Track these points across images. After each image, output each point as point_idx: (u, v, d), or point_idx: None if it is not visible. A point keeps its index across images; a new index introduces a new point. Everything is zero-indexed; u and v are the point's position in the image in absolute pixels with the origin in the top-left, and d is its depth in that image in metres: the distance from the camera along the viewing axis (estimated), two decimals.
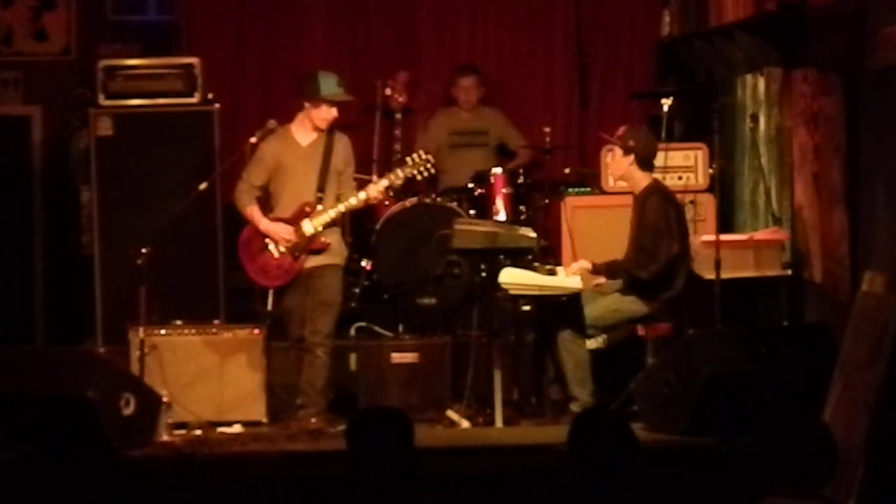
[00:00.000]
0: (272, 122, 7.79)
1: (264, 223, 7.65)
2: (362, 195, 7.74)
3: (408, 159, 7.93)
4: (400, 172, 7.83)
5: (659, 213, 7.60)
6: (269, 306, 7.62)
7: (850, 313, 6.51)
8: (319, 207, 7.66)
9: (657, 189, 7.73)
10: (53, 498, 6.53)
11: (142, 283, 7.37)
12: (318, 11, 10.26)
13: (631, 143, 7.72)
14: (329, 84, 7.70)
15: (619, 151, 7.78)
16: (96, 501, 6.56)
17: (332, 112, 7.69)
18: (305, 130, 7.70)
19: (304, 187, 7.67)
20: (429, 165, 7.88)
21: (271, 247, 7.63)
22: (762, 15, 8.52)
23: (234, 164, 8.13)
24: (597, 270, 7.67)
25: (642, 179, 7.75)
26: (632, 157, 7.70)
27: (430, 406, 7.88)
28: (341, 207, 7.71)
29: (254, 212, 7.68)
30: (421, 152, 7.99)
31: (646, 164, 7.74)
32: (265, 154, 7.68)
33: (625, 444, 4.17)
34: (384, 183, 7.79)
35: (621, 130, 7.87)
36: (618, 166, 7.85)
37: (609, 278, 7.68)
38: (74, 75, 9.69)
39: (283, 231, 7.62)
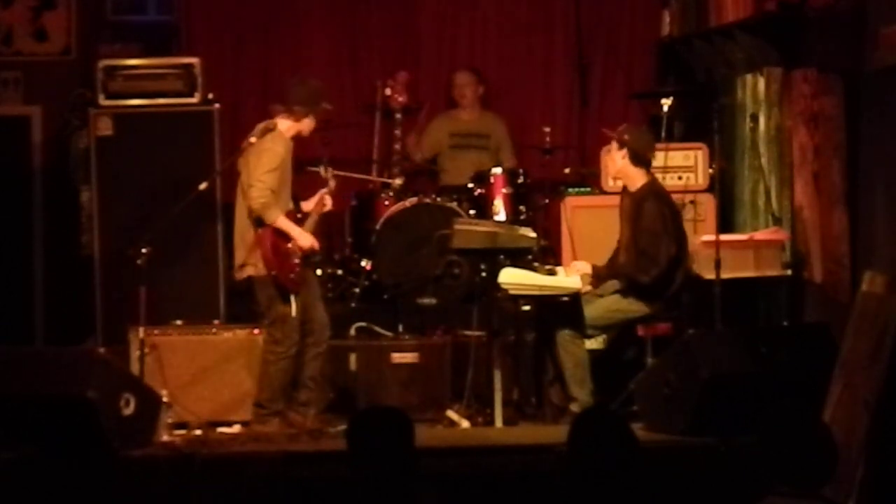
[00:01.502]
0: (272, 123, 7.77)
1: (297, 230, 7.55)
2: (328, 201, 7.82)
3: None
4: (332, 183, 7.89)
5: (655, 216, 7.58)
6: (295, 311, 7.54)
7: (850, 313, 6.51)
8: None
9: (653, 191, 7.71)
10: (53, 498, 6.53)
11: (142, 283, 7.36)
12: (318, 11, 10.27)
13: (625, 137, 7.72)
14: (322, 94, 7.73)
15: (614, 146, 7.78)
16: (96, 501, 6.56)
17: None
18: (290, 136, 7.66)
19: (290, 195, 7.68)
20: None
21: (293, 252, 7.57)
22: (762, 15, 8.53)
23: (233, 164, 8.11)
24: (597, 274, 7.66)
25: (637, 177, 7.73)
26: (625, 152, 7.69)
27: (430, 406, 7.87)
28: (316, 217, 7.73)
29: (285, 221, 7.52)
30: (323, 167, 8.00)
31: (639, 160, 7.71)
32: (281, 158, 7.54)
33: (625, 444, 4.17)
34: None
35: (621, 127, 7.87)
36: (613, 162, 7.85)
37: (610, 279, 7.68)
38: (74, 75, 9.69)
39: (312, 239, 7.61)
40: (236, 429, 7.63)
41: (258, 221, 7.49)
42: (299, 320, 7.56)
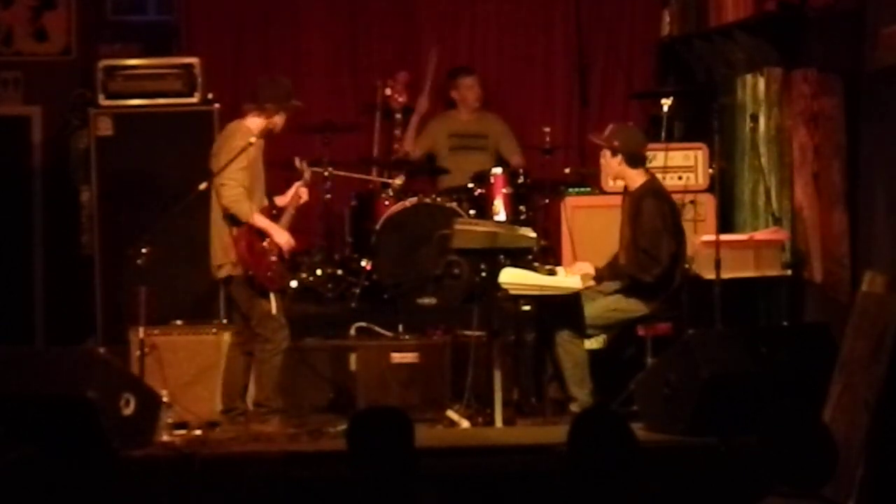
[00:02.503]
0: (271, 122, 7.77)
1: (274, 228, 7.57)
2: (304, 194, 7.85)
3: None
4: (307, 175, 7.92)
5: (655, 214, 7.58)
6: (275, 309, 7.56)
7: (850, 313, 6.51)
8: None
9: (652, 189, 7.70)
10: (53, 498, 6.51)
11: (142, 283, 7.36)
12: (317, 12, 10.27)
13: (616, 143, 7.71)
14: (291, 91, 7.76)
15: (607, 153, 7.77)
16: (96, 501, 6.56)
17: None
18: (260, 133, 7.66)
19: (263, 192, 7.68)
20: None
21: (269, 250, 7.58)
22: (762, 15, 8.53)
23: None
24: (599, 275, 7.66)
25: (636, 177, 7.72)
26: (620, 157, 7.70)
27: (430, 406, 7.87)
28: (292, 211, 7.74)
29: (262, 218, 7.56)
30: (297, 159, 8.01)
31: (635, 160, 7.71)
32: (253, 156, 7.56)
33: (625, 444, 4.17)
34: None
35: (607, 131, 7.85)
36: (610, 168, 7.85)
37: (612, 280, 7.68)
38: (74, 75, 9.69)
39: (288, 237, 7.62)
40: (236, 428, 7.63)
41: (233, 219, 7.51)
42: (283, 316, 7.58)
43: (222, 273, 7.60)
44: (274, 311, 7.51)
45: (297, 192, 7.79)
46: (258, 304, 7.53)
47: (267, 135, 7.67)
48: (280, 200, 7.78)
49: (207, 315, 8.21)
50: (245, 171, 7.49)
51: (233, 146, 7.52)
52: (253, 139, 7.54)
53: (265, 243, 7.54)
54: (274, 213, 7.66)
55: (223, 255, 7.56)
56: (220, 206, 7.53)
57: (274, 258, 7.56)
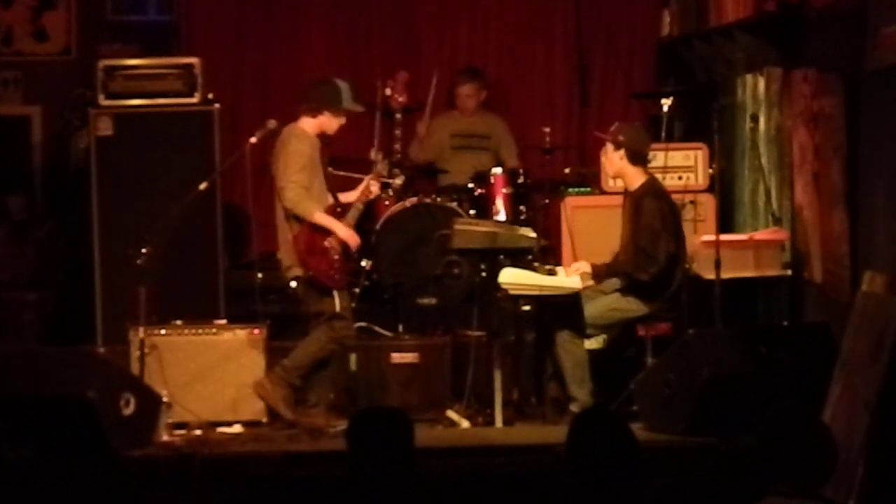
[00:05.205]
0: (272, 122, 7.78)
1: (339, 226, 7.62)
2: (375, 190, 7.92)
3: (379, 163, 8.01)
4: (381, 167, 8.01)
5: (654, 214, 7.58)
6: (339, 307, 7.61)
7: (850, 313, 6.51)
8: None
9: (652, 189, 7.71)
10: (53, 498, 6.53)
11: (142, 283, 7.36)
12: (318, 11, 10.28)
13: (620, 137, 7.71)
14: (349, 95, 7.79)
15: (610, 147, 7.77)
16: (96, 501, 6.56)
17: (343, 121, 7.76)
18: (315, 133, 7.71)
19: (325, 190, 7.73)
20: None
21: (331, 248, 7.61)
22: (762, 15, 8.53)
23: (234, 164, 8.12)
24: (597, 272, 7.66)
25: (636, 176, 7.72)
26: (622, 152, 7.69)
27: (430, 406, 7.87)
28: (360, 206, 7.79)
29: (326, 216, 7.62)
30: (374, 150, 8.02)
31: (637, 158, 7.71)
32: (308, 156, 7.62)
33: (625, 444, 4.16)
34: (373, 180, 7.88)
35: (613, 127, 7.86)
36: (611, 163, 7.84)
37: (609, 278, 7.68)
38: (74, 75, 9.70)
39: (352, 234, 7.67)
40: (236, 429, 7.63)
41: (296, 220, 7.56)
42: (349, 312, 7.69)
43: (292, 274, 7.65)
44: (338, 308, 7.55)
45: (368, 186, 7.83)
46: (324, 304, 7.59)
47: (321, 135, 7.72)
48: (346, 197, 7.82)
49: (207, 315, 8.21)
50: (303, 172, 7.54)
51: (290, 150, 7.57)
52: (253, 139, 7.57)
53: (326, 242, 7.57)
54: (338, 210, 7.70)
55: (289, 256, 7.62)
56: (283, 209, 7.57)
57: (337, 256, 7.59)
